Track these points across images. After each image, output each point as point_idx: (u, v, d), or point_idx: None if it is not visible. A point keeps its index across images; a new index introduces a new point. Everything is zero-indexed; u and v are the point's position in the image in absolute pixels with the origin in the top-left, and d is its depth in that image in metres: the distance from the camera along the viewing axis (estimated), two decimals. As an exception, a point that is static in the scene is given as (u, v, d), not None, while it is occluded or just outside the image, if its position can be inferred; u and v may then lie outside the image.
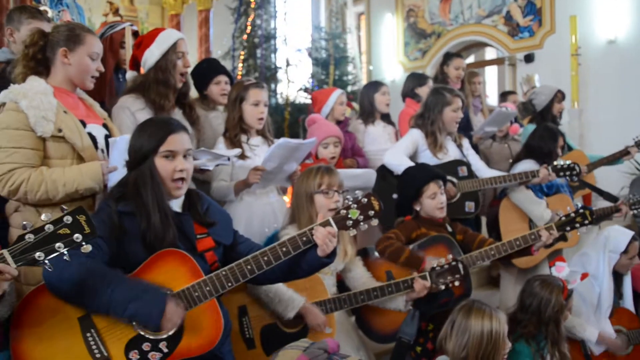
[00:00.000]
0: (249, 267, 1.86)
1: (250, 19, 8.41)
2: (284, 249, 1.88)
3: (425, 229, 2.88)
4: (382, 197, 3.38)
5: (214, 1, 9.85)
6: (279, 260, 1.88)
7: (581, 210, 2.72)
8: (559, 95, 4.52)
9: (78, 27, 2.24)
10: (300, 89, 8.67)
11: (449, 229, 2.97)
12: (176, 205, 1.97)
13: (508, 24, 8.84)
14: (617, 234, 3.34)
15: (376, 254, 2.84)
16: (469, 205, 3.47)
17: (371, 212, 1.91)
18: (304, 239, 1.89)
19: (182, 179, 1.93)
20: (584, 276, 2.93)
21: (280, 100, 8.41)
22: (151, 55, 2.77)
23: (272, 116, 7.94)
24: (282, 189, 3.15)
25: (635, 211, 4.04)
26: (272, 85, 8.56)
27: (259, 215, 2.99)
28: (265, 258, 1.87)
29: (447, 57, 4.69)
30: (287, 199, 3.17)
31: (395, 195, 3.29)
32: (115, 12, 8.81)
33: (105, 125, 2.32)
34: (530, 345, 2.67)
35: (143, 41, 2.89)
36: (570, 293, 2.77)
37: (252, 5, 8.43)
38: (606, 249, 3.30)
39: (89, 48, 2.21)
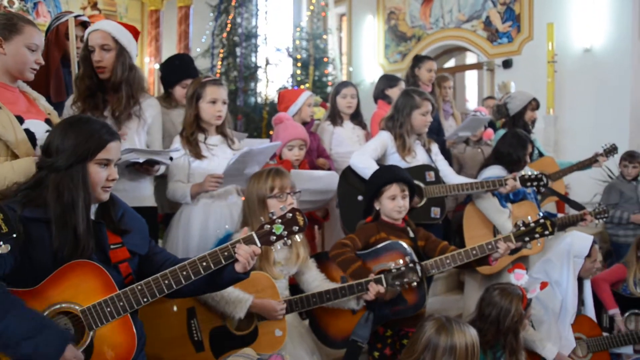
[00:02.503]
0: (166, 282, 1.77)
1: (230, 17, 8.33)
2: (204, 264, 1.81)
3: (386, 233, 2.80)
4: (346, 198, 3.41)
5: (194, -2, 9.77)
6: (199, 276, 1.80)
7: (542, 221, 2.66)
8: (533, 104, 4.53)
9: (17, 17, 2.14)
10: (280, 89, 8.60)
11: (411, 234, 2.89)
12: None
13: (487, 29, 8.88)
14: (579, 239, 3.36)
15: None
16: (435, 211, 3.42)
17: (295, 228, 1.86)
18: (226, 254, 1.83)
19: (110, 187, 1.85)
20: (544, 285, 2.90)
21: (259, 100, 8.34)
22: None
23: (250, 115, 7.93)
24: (242, 190, 3.06)
25: (601, 220, 4.06)
26: (252, 84, 8.50)
27: (216, 217, 2.90)
28: (184, 273, 1.79)
29: (418, 59, 4.65)
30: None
31: (360, 197, 3.24)
32: (94, 5, 8.64)
33: (48, 121, 2.21)
34: (486, 356, 2.64)
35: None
36: (529, 302, 2.74)
37: (233, 3, 8.35)
38: (570, 254, 3.31)
39: (26, 39, 2.11)
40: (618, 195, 5.16)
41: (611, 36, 7.62)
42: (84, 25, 3.27)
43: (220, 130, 3.02)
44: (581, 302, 3.48)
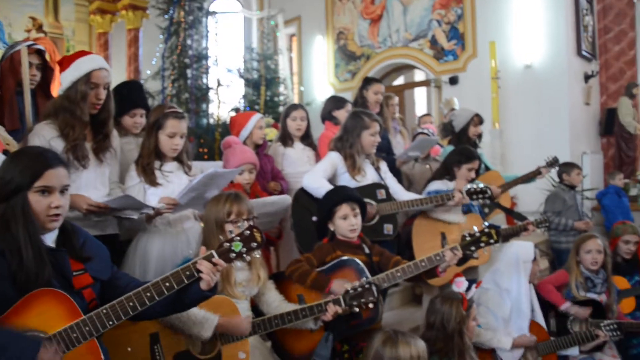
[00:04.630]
0: (131, 304, 1.79)
1: (180, 39, 8.34)
2: (167, 284, 1.83)
3: (341, 251, 2.88)
4: (300, 219, 3.49)
5: (144, 20, 9.73)
6: (162, 296, 1.83)
7: (487, 230, 2.79)
8: (476, 119, 4.66)
9: None
10: (232, 110, 8.65)
11: (367, 250, 2.99)
12: (49, 240, 1.85)
13: (433, 48, 9.18)
14: (522, 247, 3.55)
15: None
16: (388, 228, 3.52)
17: (254, 244, 1.92)
18: (187, 273, 1.86)
19: (58, 215, 1.83)
20: (478, 284, 3.05)
21: (211, 121, 8.35)
22: (64, 80, 2.69)
23: (203, 137, 7.93)
24: (199, 215, 3.07)
25: (543, 229, 4.25)
26: (203, 106, 8.50)
27: (173, 242, 2.92)
28: (148, 294, 1.81)
29: (367, 81, 4.75)
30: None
31: (314, 218, 3.32)
32: (39, 28, 8.48)
33: (5, 152, 2.21)
34: (443, 363, 2.75)
35: (63, 62, 2.79)
36: (470, 303, 2.86)
37: (183, 25, 8.36)
38: (520, 260, 3.47)
39: None
40: (561, 203, 5.40)
41: (549, 53, 8.03)
42: (39, 53, 3.28)
43: (176, 157, 3.04)
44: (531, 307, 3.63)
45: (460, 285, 2.91)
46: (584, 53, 8.41)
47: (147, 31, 9.40)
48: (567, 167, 5.52)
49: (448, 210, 3.69)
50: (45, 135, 2.61)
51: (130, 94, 3.49)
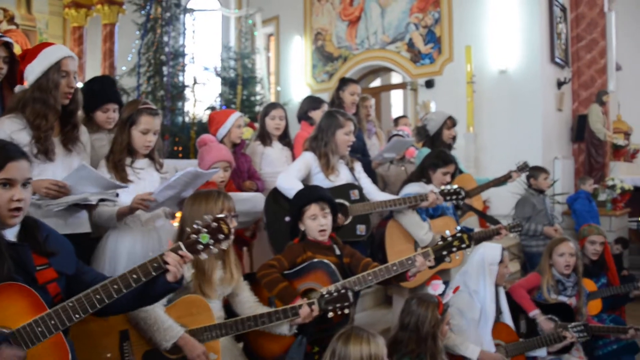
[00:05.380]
0: (97, 296, 1.77)
1: (157, 36, 8.25)
2: (135, 276, 1.83)
3: (312, 252, 2.87)
4: (274, 219, 3.47)
5: (120, 16, 9.61)
6: (130, 288, 1.82)
7: (459, 234, 2.78)
8: (449, 122, 4.67)
9: None
10: (208, 108, 8.59)
11: (337, 252, 2.96)
12: (11, 234, 1.81)
13: (410, 51, 9.25)
14: (490, 249, 3.56)
15: None
16: (360, 228, 3.52)
17: (221, 236, 1.91)
18: (155, 265, 1.86)
19: (19, 209, 1.79)
20: (456, 289, 3.06)
21: (186, 119, 8.28)
22: (32, 72, 2.63)
23: (178, 135, 7.86)
24: (171, 213, 3.04)
25: (516, 233, 4.30)
26: (179, 104, 8.43)
27: (144, 241, 2.87)
28: (115, 286, 1.80)
29: (343, 82, 4.74)
30: (176, 224, 3.08)
31: (287, 218, 3.30)
32: (10, 20, 8.26)
33: None
34: (414, 364, 2.75)
35: (27, 55, 2.73)
36: (445, 308, 2.88)
37: (160, 22, 8.28)
38: (485, 263, 3.49)
39: None
40: (531, 208, 5.46)
41: (523, 59, 8.18)
42: (6, 45, 3.19)
43: (148, 153, 3.00)
44: (498, 309, 3.65)
45: (436, 288, 2.91)
46: (557, 60, 8.58)
47: (123, 27, 9.28)
48: (534, 172, 5.58)
49: (413, 223, 3.70)
50: (6, 129, 2.55)
51: (102, 89, 3.44)
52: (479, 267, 3.49)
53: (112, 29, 9.42)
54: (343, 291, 2.52)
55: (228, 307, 2.72)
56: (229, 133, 4.03)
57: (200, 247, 1.90)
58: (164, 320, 2.28)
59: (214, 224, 1.92)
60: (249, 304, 2.67)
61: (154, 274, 1.86)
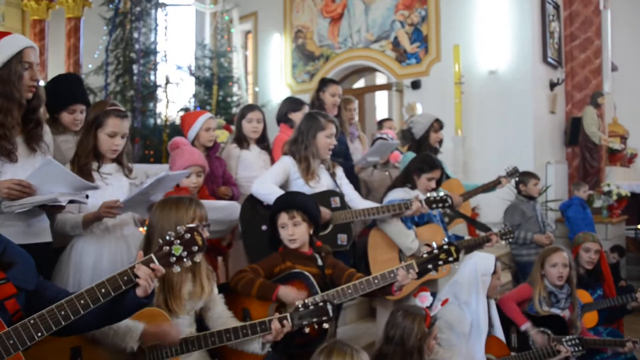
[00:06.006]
0: (62, 312, 1.72)
1: (126, 32, 8.18)
2: (103, 290, 1.79)
3: (291, 262, 2.87)
4: (250, 228, 3.45)
5: (86, 9, 9.50)
6: (98, 303, 1.78)
7: (446, 247, 2.77)
8: (436, 125, 4.70)
9: None
10: (181, 110, 8.53)
11: (319, 262, 2.96)
12: None
13: (396, 50, 9.30)
14: (483, 259, 3.56)
15: None
16: (342, 238, 3.50)
17: (195, 248, 1.90)
18: (125, 278, 1.83)
19: None
20: (445, 302, 3.06)
21: (158, 121, 8.22)
22: None
23: (149, 138, 7.79)
24: (140, 220, 3.02)
25: (507, 240, 4.32)
26: (150, 105, 8.37)
27: (111, 250, 2.84)
28: (82, 301, 1.76)
29: (323, 83, 4.75)
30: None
31: (264, 227, 3.29)
32: (-37, 10, 8.15)
33: None
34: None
35: None
36: (433, 321, 2.87)
37: (129, 17, 8.21)
38: (478, 274, 3.50)
39: None
40: (520, 215, 5.49)
41: (514, 59, 8.28)
42: None
43: (115, 158, 2.98)
44: (489, 323, 3.64)
45: (424, 300, 2.91)
46: (549, 60, 8.69)
47: (89, 21, 9.15)
48: (524, 177, 5.60)
49: (398, 231, 3.71)
50: None
51: (69, 88, 3.43)
52: (471, 278, 3.48)
53: (77, 24, 9.26)
54: (321, 304, 2.43)
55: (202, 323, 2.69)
56: (197, 136, 4.03)
57: (173, 259, 1.88)
58: (119, 324, 2.20)
59: (188, 235, 1.90)
60: (222, 319, 2.62)
61: (124, 288, 1.82)
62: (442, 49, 8.85)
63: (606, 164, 9.21)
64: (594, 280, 4.66)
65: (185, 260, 1.89)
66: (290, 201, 3.00)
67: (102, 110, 2.91)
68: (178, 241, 1.89)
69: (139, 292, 1.85)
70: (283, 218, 2.92)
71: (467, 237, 4.57)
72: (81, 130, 3.30)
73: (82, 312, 1.76)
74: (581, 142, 8.88)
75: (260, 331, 2.44)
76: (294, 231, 2.91)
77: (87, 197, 2.64)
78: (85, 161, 2.89)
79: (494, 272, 3.56)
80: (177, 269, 1.90)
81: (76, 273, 2.81)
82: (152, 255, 1.87)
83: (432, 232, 3.74)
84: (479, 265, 3.53)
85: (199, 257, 1.92)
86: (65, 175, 2.50)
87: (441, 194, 3.60)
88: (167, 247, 1.89)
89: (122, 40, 8.18)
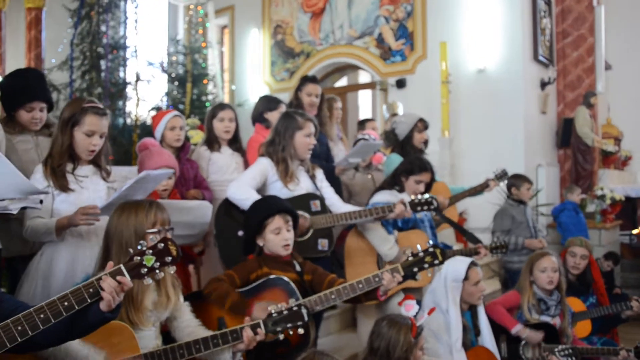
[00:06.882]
0: (19, 328, 1.67)
1: (93, 25, 8.13)
2: (66, 304, 1.74)
3: (268, 268, 2.89)
4: (226, 234, 3.47)
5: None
6: (60, 317, 1.73)
7: (431, 250, 2.82)
8: (420, 125, 4.73)
9: None
10: (153, 109, 8.50)
11: (298, 268, 3.00)
12: None
13: (380, 47, 9.36)
14: (454, 264, 3.55)
15: None
16: (322, 243, 3.53)
17: (168, 258, 1.88)
18: (91, 290, 1.78)
19: None
20: (431, 310, 3.10)
21: (128, 121, 8.18)
22: None
23: (118, 139, 7.75)
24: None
25: (498, 255, 4.35)
26: (119, 103, 8.32)
27: (84, 259, 2.79)
28: (42, 316, 1.71)
29: (301, 81, 4.78)
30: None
31: (241, 233, 3.30)
32: None
33: None
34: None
35: None
36: (419, 331, 2.90)
37: (97, 9, 8.16)
38: (447, 280, 3.52)
39: None
40: (510, 220, 5.52)
41: (503, 57, 8.36)
42: None
43: (92, 160, 2.96)
44: (477, 332, 3.67)
45: (409, 308, 2.92)
46: (540, 58, 8.80)
47: (52, 12, 9.04)
48: (517, 181, 5.62)
49: (376, 235, 3.73)
50: None
51: (27, 84, 3.35)
52: (441, 284, 3.52)
53: (38, 14, 9.14)
54: (295, 308, 2.46)
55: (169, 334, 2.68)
56: (163, 136, 4.04)
57: (144, 270, 1.86)
58: (78, 350, 2.16)
59: (161, 245, 1.88)
60: (190, 329, 2.60)
61: (89, 300, 1.78)
62: (429, 46, 8.91)
63: (599, 166, 9.30)
64: (586, 287, 4.71)
65: (157, 271, 1.88)
66: (282, 204, 3.04)
67: (79, 108, 2.88)
68: (150, 251, 1.88)
69: (103, 306, 1.81)
70: (278, 222, 2.94)
71: (455, 245, 4.63)
72: (43, 129, 3.29)
73: (41, 327, 1.70)
74: (573, 144, 8.97)
75: (232, 340, 2.43)
76: (290, 236, 2.95)
77: (41, 202, 2.61)
78: (59, 162, 2.86)
79: (466, 278, 3.53)
80: (148, 281, 1.88)
81: (45, 284, 2.76)
82: (122, 266, 1.84)
83: (415, 238, 3.77)
84: (449, 271, 3.52)
85: (172, 268, 1.91)
86: (13, 175, 2.38)
87: (426, 196, 3.63)
88: (139, 258, 1.87)
89: (88, 33, 8.11)
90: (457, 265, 3.54)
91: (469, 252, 4.07)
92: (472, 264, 3.58)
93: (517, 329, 3.84)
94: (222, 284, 2.77)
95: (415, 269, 2.82)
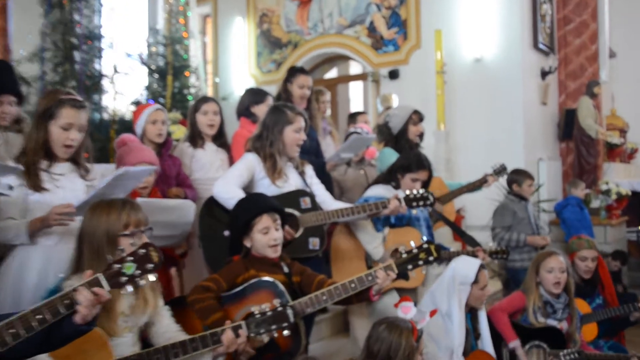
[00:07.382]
0: None
1: (65, 13, 8.06)
2: (39, 317, 1.73)
3: (255, 270, 2.87)
4: (211, 234, 3.43)
5: (15, -14, 9.33)
6: (32, 332, 1.72)
7: (425, 246, 2.82)
8: (414, 117, 4.70)
9: None
10: (132, 103, 8.45)
11: (286, 269, 2.99)
12: None
13: (372, 36, 9.35)
14: (463, 265, 3.56)
15: None
16: (313, 242, 3.51)
17: (149, 266, 1.88)
18: (67, 302, 1.78)
19: None
20: (433, 313, 3.08)
21: (105, 116, 8.12)
22: None
23: (94, 135, 7.69)
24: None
25: (497, 260, 4.33)
26: (96, 97, 8.26)
27: (59, 262, 2.70)
28: (12, 331, 1.70)
29: (291, 72, 4.71)
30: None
31: (226, 232, 3.28)
32: None
33: None
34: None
35: None
36: (420, 334, 2.89)
37: (69, -5, 8.09)
38: (455, 282, 3.51)
39: None
40: (511, 216, 5.51)
41: (501, 45, 8.37)
42: None
43: (71, 157, 2.92)
44: (477, 335, 3.68)
45: (407, 311, 2.91)
46: (540, 46, 8.81)
47: (19, 0, 9.01)
48: (518, 176, 5.62)
49: (364, 232, 3.73)
50: None
51: None
52: (448, 286, 3.51)
53: (4, 3, 9.09)
54: (280, 308, 2.46)
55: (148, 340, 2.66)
56: (144, 131, 4.02)
57: (124, 279, 1.85)
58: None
59: (142, 251, 1.87)
60: (169, 334, 2.58)
61: (64, 312, 1.78)
62: (423, 34, 8.91)
63: (604, 160, 9.30)
64: (592, 288, 4.67)
65: (137, 280, 1.86)
66: (270, 202, 3.03)
67: (54, 100, 2.84)
68: (131, 258, 1.86)
69: (77, 318, 1.80)
70: (266, 221, 2.93)
71: (452, 247, 4.62)
72: (13, 125, 3.25)
73: (9, 343, 1.69)
74: (576, 136, 8.97)
75: (213, 343, 2.43)
76: (279, 235, 2.94)
77: (10, 188, 2.58)
78: (33, 159, 2.82)
79: (476, 282, 3.55)
80: (129, 289, 1.87)
81: (16, 289, 2.73)
82: (100, 275, 1.82)
83: (406, 235, 3.75)
84: (458, 272, 3.53)
85: (153, 276, 1.89)
86: None
87: (421, 190, 3.61)
88: (118, 265, 1.85)
89: (60, 22, 8.04)
90: (466, 267, 3.55)
91: (467, 255, 4.06)
92: (481, 266, 3.58)
93: (514, 344, 3.83)
94: (208, 297, 2.74)
95: (410, 266, 2.83)
